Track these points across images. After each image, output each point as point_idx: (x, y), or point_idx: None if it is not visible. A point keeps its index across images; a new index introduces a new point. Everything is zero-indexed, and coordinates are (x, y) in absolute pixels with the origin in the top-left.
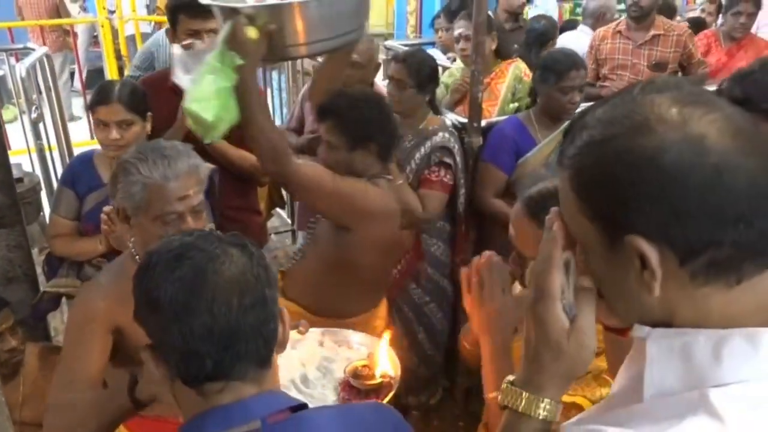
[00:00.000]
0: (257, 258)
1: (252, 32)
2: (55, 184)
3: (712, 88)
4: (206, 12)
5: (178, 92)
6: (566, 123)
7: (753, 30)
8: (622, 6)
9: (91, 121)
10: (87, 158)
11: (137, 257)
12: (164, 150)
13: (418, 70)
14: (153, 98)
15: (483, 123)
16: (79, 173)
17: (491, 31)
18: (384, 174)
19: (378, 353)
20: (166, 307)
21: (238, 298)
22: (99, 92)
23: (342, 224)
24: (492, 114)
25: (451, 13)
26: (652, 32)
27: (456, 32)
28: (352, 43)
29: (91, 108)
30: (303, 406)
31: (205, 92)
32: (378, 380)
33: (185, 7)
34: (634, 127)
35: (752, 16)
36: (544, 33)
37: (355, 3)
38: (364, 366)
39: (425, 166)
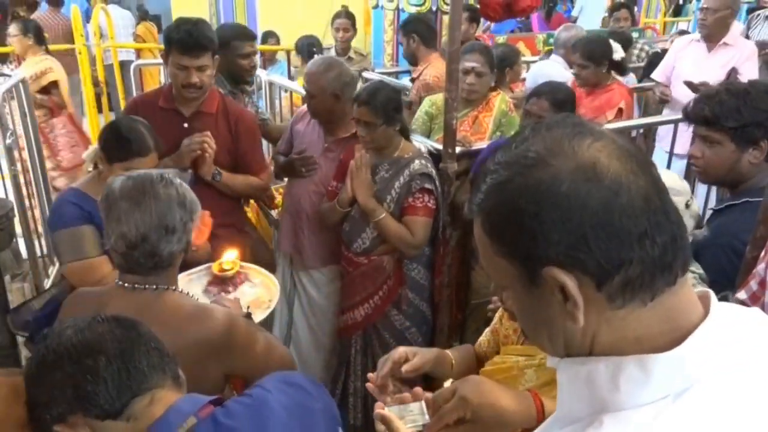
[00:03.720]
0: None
1: None
2: (29, 211)
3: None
4: (197, 48)
5: (167, 110)
6: None
7: None
8: None
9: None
10: (81, 195)
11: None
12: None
13: (384, 108)
14: (148, 116)
15: (458, 150)
16: (91, 209)
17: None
18: None
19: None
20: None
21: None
22: (133, 143)
23: None
24: None
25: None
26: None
27: (468, 65)
28: None
29: (124, 158)
30: (220, 400)
31: None
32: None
33: (176, 41)
34: (530, 164)
35: (583, 68)
36: (504, 58)
37: None
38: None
39: (406, 194)
